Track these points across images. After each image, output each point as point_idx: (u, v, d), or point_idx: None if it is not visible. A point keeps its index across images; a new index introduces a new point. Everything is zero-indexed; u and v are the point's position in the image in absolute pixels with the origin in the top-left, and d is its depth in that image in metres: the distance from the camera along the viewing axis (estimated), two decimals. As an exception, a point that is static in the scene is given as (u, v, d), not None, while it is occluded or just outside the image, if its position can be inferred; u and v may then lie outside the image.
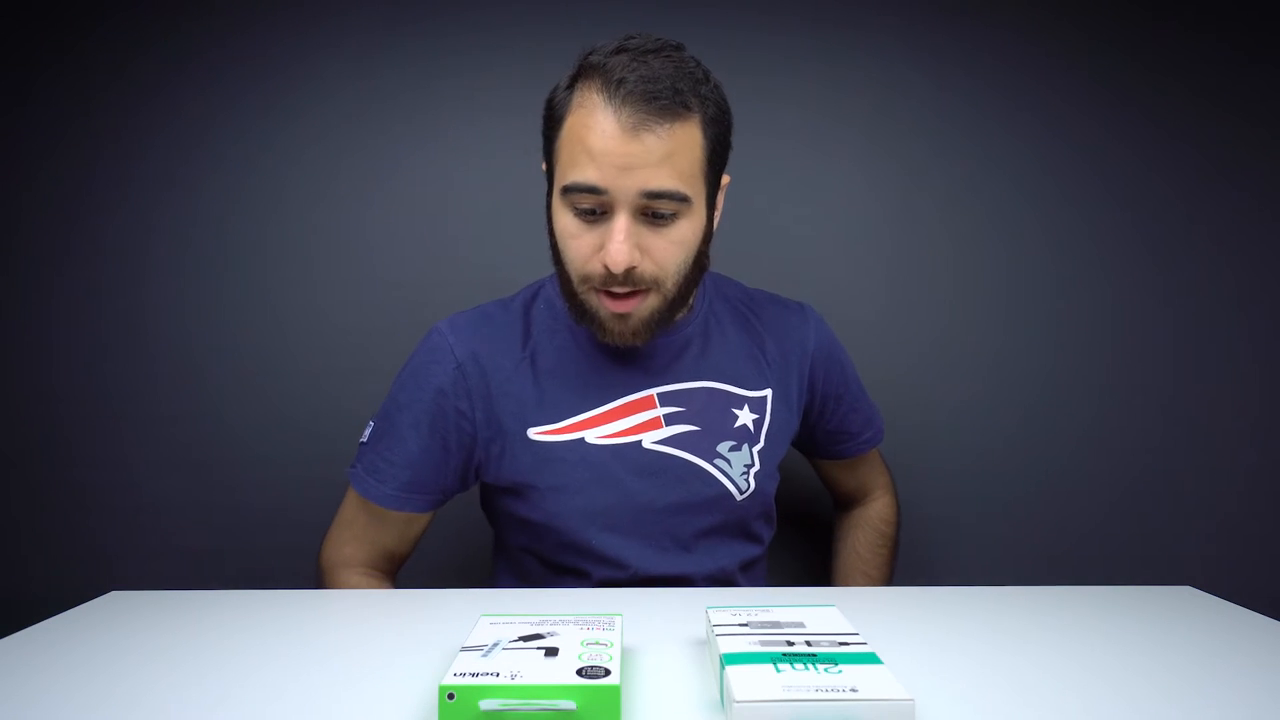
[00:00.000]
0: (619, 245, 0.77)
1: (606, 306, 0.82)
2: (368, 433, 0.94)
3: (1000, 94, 1.30)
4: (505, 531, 0.97)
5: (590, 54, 0.79)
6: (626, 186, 0.77)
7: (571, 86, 0.81)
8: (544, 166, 0.87)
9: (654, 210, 0.79)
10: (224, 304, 1.29)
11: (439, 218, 1.30)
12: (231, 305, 1.29)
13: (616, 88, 0.76)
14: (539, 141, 0.87)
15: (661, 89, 0.76)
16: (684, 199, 0.79)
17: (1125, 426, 1.31)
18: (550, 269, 0.93)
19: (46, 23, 1.27)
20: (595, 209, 0.79)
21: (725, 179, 0.88)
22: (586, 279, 0.82)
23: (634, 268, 0.79)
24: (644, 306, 0.83)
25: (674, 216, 0.80)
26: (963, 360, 1.31)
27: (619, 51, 0.78)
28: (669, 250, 0.81)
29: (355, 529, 0.95)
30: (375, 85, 1.29)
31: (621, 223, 0.78)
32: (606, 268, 0.79)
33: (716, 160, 0.84)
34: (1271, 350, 1.31)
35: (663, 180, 0.77)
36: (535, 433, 0.89)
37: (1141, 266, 1.31)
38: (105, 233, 1.28)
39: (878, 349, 1.28)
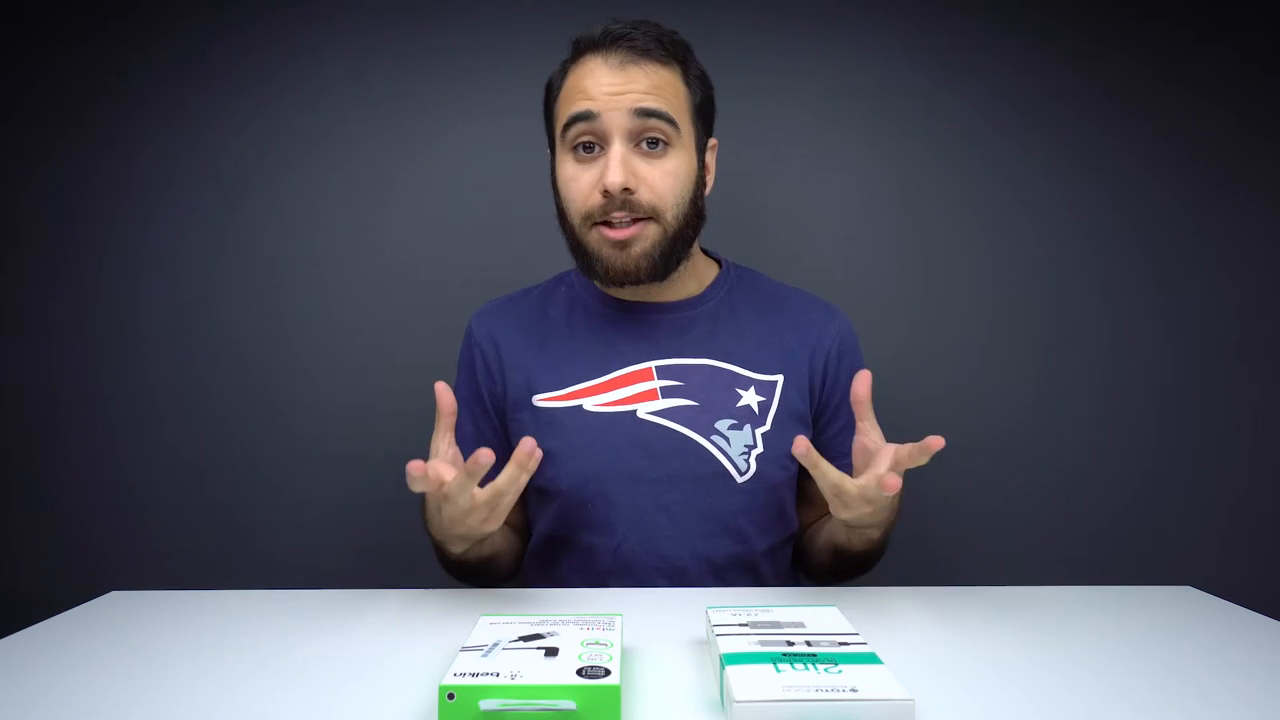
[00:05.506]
0: (614, 166, 0.84)
1: (607, 236, 0.87)
2: None
3: (1000, 96, 1.30)
4: (533, 515, 0.99)
5: (579, 37, 0.89)
6: (617, 107, 0.84)
7: (565, 65, 0.90)
8: (549, 153, 0.93)
9: (646, 136, 0.85)
10: (224, 303, 1.29)
11: (440, 216, 1.30)
12: (231, 305, 1.29)
13: (603, 40, 0.86)
14: (541, 139, 0.90)
15: (644, 38, 0.86)
16: (672, 122, 0.86)
17: (1126, 428, 1.31)
18: (558, 266, 1.02)
19: (46, 22, 1.27)
20: (592, 142, 0.86)
21: (713, 141, 0.95)
22: (587, 216, 0.87)
23: (631, 191, 0.85)
24: (644, 236, 0.87)
25: (666, 146, 0.86)
26: (961, 362, 1.31)
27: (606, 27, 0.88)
28: (663, 180, 0.86)
29: None
30: (376, 85, 1.29)
31: (616, 148, 0.84)
32: (605, 193, 0.84)
33: (704, 113, 0.92)
34: (1272, 351, 1.31)
35: (651, 101, 0.84)
36: (540, 399, 0.93)
37: (1141, 269, 1.31)
38: (105, 233, 1.28)
39: (875, 350, 1.28)
